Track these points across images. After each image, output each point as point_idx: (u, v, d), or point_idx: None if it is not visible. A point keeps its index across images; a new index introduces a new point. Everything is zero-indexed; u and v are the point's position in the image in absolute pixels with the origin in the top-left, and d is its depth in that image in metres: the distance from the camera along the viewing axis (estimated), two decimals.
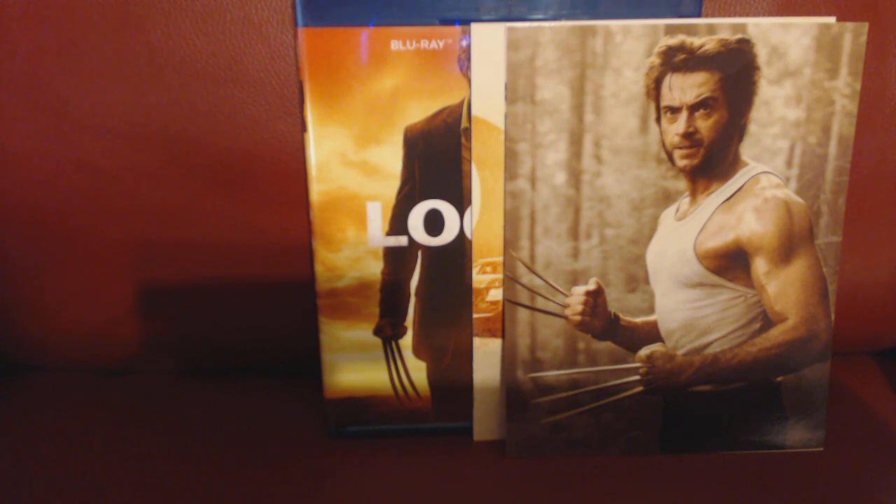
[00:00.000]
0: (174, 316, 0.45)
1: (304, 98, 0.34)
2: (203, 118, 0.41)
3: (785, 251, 0.36)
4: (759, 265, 0.36)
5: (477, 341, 0.38)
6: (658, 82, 0.34)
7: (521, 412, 0.38)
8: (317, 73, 0.34)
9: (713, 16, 0.39)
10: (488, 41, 0.33)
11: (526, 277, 0.36)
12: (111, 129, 0.41)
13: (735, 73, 0.34)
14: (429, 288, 0.37)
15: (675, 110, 0.34)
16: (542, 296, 0.36)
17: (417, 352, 0.38)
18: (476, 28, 0.33)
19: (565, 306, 0.36)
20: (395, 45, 0.34)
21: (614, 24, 0.33)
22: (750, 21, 0.33)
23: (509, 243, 0.36)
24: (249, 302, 0.45)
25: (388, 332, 0.38)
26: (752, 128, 0.35)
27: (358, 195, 0.36)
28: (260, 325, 0.46)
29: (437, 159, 0.36)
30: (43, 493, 0.35)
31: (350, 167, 0.35)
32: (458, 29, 0.34)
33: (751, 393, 0.38)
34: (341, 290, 0.37)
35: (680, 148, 0.35)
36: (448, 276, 0.37)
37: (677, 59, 0.34)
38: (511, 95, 0.34)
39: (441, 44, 0.34)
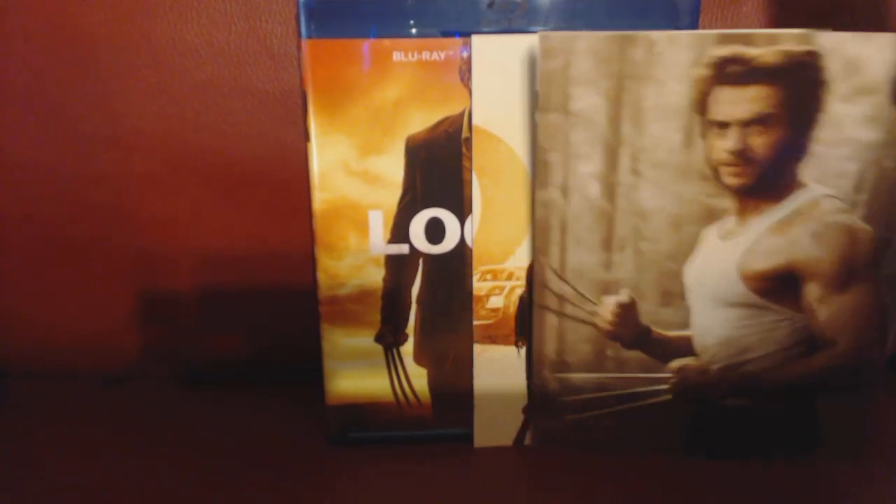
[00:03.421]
0: (176, 323, 0.45)
1: (307, 108, 0.35)
2: (208, 128, 0.41)
3: (843, 278, 0.33)
4: (812, 290, 0.33)
5: (477, 348, 0.38)
6: (705, 95, 0.31)
7: (546, 408, 0.37)
8: (320, 84, 0.35)
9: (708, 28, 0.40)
10: (488, 53, 0.34)
11: (555, 284, 0.35)
12: (116, 138, 0.42)
13: (798, 88, 0.31)
14: (430, 295, 0.38)
15: (723, 125, 0.31)
16: (570, 303, 0.35)
17: (418, 358, 0.39)
18: (476, 40, 0.34)
19: (594, 314, 0.35)
20: (397, 56, 0.34)
21: (657, 33, 0.31)
22: (820, 32, 0.31)
23: (539, 250, 0.35)
24: (252, 309, 0.45)
25: (390, 338, 0.38)
26: (816, 148, 0.32)
27: (360, 204, 0.36)
28: (262, 333, 0.46)
29: (438, 168, 0.36)
30: (42, 500, 0.36)
31: (352, 176, 0.36)
32: (458, 41, 0.34)
33: (785, 411, 0.36)
34: (343, 297, 0.38)
35: (728, 165, 0.32)
36: (449, 283, 0.38)
37: (729, 71, 0.31)
38: (544, 104, 0.32)
39: (442, 55, 0.34)
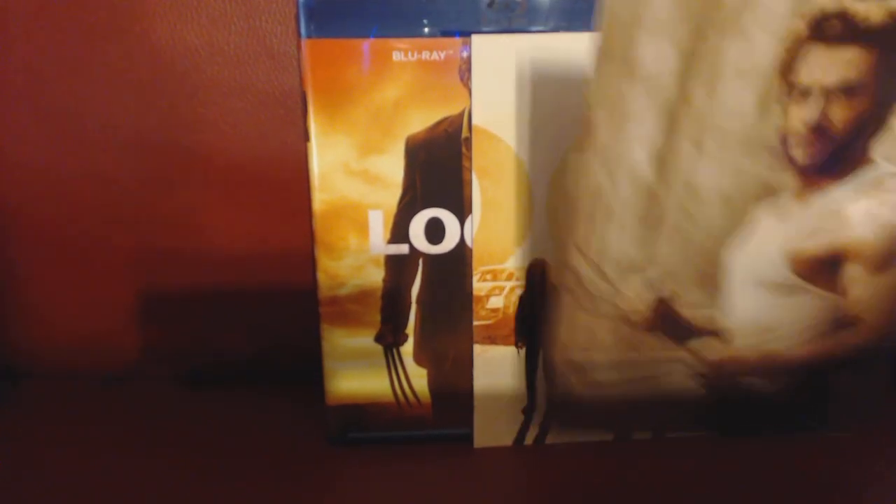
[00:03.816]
0: (176, 323, 0.46)
1: (306, 108, 0.35)
2: (207, 128, 0.41)
3: (884, 260, 0.32)
4: (851, 270, 0.32)
5: (477, 348, 0.38)
6: (796, 54, 0.28)
7: (553, 387, 0.36)
8: (319, 84, 0.34)
9: None
10: (488, 52, 0.34)
11: (576, 262, 0.32)
12: (116, 138, 0.42)
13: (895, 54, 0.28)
14: (430, 295, 0.38)
15: (807, 92, 0.28)
16: (591, 283, 0.33)
17: (418, 359, 0.39)
18: (476, 39, 0.34)
19: (616, 295, 0.33)
20: (397, 56, 0.34)
21: None
22: None
23: (563, 226, 0.32)
24: (252, 309, 0.45)
25: (390, 339, 0.38)
26: (894, 122, 0.29)
27: (360, 204, 0.36)
28: (262, 333, 0.46)
29: (437, 168, 0.36)
30: (42, 500, 0.36)
31: (352, 176, 0.36)
32: (458, 40, 0.34)
33: (800, 384, 0.35)
34: (343, 297, 0.38)
35: (801, 137, 0.29)
36: (449, 283, 0.38)
37: (829, 27, 0.27)
38: (603, 54, 0.28)
39: (442, 55, 0.34)
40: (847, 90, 0.29)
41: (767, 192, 0.30)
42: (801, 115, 0.29)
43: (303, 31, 0.34)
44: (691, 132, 0.29)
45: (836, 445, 0.38)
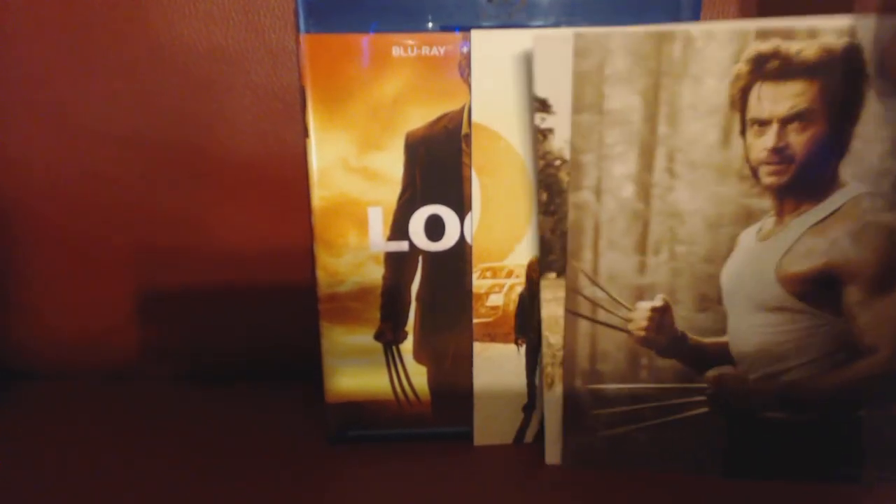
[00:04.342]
0: (176, 321, 0.45)
1: (305, 104, 0.35)
2: (206, 125, 0.41)
3: (884, 280, 0.32)
4: (852, 293, 0.32)
5: (477, 346, 0.38)
6: (745, 92, 0.31)
7: (578, 422, 0.37)
8: (318, 79, 0.34)
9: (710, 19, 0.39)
10: (488, 48, 0.34)
11: (588, 289, 0.34)
12: (114, 135, 0.42)
13: (839, 81, 0.30)
14: (430, 293, 0.38)
15: (763, 123, 0.31)
16: (604, 308, 0.35)
17: (418, 356, 0.39)
18: (476, 35, 0.34)
19: (628, 320, 0.35)
20: (397, 51, 0.34)
21: (695, 28, 0.30)
22: (860, 20, 0.29)
23: (572, 254, 0.34)
24: (252, 307, 0.45)
25: (389, 336, 0.38)
26: (856, 144, 0.31)
27: (359, 201, 0.36)
28: (262, 331, 0.46)
29: (437, 165, 0.36)
30: (42, 500, 0.36)
31: (351, 173, 0.36)
32: (458, 36, 0.34)
33: (827, 425, 0.35)
34: (343, 294, 0.38)
35: (768, 164, 0.31)
36: (449, 281, 0.37)
37: (769, 67, 0.30)
38: (577, 105, 0.32)
39: (442, 50, 0.34)
40: (799, 117, 0.31)
41: (749, 217, 0.33)
42: (763, 144, 0.31)
43: (302, 26, 0.34)
44: (667, 165, 0.32)
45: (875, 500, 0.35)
